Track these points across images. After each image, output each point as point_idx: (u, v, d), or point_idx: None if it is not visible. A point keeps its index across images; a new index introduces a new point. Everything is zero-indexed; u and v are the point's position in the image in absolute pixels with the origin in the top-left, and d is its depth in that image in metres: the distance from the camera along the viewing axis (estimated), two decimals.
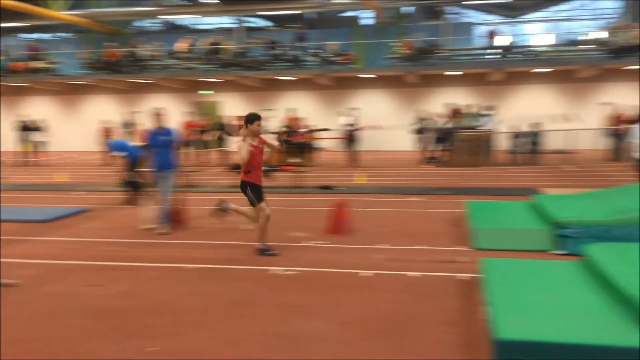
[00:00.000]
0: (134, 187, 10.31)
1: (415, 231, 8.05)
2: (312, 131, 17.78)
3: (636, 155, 9.27)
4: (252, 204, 6.77)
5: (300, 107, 21.02)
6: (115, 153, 10.97)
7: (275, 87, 23.69)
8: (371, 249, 7.06)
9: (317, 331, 4.37)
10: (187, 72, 22.99)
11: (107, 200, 11.27)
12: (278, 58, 22.43)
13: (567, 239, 6.46)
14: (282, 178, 12.84)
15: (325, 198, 10.68)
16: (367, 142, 19.68)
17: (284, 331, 4.38)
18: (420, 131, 17.67)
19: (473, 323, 4.45)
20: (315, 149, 17.63)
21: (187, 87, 24.16)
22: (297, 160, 15.74)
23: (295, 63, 22.20)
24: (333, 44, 22.09)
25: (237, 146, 6.82)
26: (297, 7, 23.73)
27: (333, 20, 27.93)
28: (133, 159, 10.25)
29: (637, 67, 19.41)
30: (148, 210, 8.51)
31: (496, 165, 16.47)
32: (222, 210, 7.29)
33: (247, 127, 6.67)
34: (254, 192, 6.72)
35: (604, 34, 20.45)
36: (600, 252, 4.85)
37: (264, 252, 6.78)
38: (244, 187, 6.74)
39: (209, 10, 25.40)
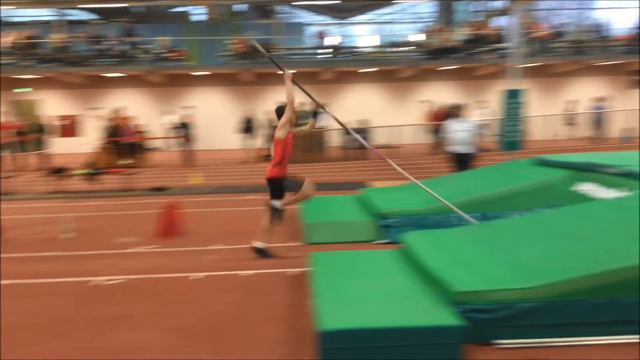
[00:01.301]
0: None
1: (250, 230, 7.98)
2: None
3: (450, 148, 10.15)
4: (295, 187, 6.36)
5: (130, 105, 20.04)
6: None
7: (101, 84, 22.31)
8: (203, 250, 6.91)
9: (141, 341, 4.15)
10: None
11: None
12: (104, 53, 21.15)
13: (389, 228, 6.89)
14: (111, 181, 12.12)
15: (157, 200, 10.26)
16: (203, 141, 19.36)
17: (103, 345, 4.10)
18: (246, 129, 17.73)
19: (300, 317, 4.53)
20: (148, 149, 16.93)
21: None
22: (127, 161, 14.97)
23: (124, 59, 21.10)
24: (164, 40, 21.36)
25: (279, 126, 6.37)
26: (123, 0, 22.58)
27: (163, 16, 27.01)
28: None
29: (450, 67, 21.32)
30: None
31: (329, 161, 17.09)
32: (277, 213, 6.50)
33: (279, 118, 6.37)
34: (288, 181, 6.31)
35: (422, 37, 22.18)
36: (414, 240, 5.22)
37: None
38: (277, 183, 6.24)
39: (24, 2, 23.18)
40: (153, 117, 20.78)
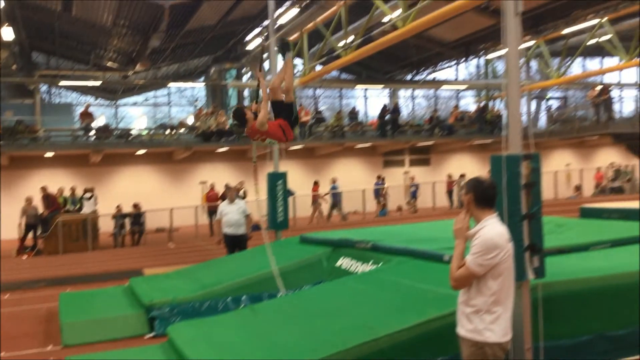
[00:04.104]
0: None
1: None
2: None
3: (223, 230, 10.19)
4: None
5: None
6: None
7: None
8: None
9: None
10: None
11: None
12: None
13: (158, 320, 6.59)
14: None
15: None
16: None
17: None
18: None
19: None
20: None
21: None
22: None
23: None
24: None
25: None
26: None
27: None
28: None
29: (224, 149, 21.87)
30: None
31: (100, 249, 16.02)
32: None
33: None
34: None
35: (195, 119, 22.48)
36: (178, 332, 5.07)
37: None
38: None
39: None
40: None
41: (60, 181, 19.10)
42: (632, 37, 18.37)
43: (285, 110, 5.98)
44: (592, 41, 21.09)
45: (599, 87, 22.72)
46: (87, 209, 16.75)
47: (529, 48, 22.48)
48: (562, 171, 22.35)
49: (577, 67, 29.66)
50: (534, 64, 27.60)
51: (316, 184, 20.26)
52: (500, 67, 25.39)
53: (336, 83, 27.63)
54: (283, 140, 5.98)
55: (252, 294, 7.03)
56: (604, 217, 8.95)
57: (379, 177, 22.01)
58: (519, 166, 4.34)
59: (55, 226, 15.51)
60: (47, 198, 16.52)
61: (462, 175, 21.32)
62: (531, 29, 21.81)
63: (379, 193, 21.08)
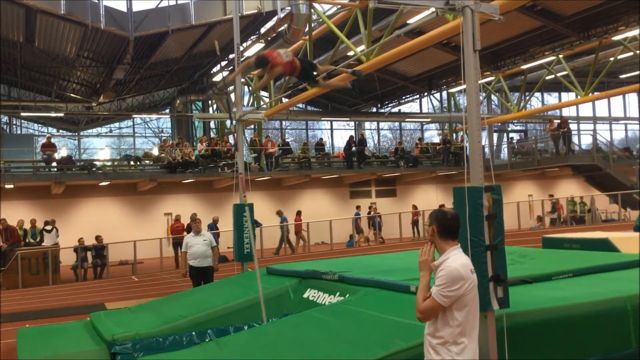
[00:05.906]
0: None
1: None
2: None
3: (189, 262, 10.05)
4: None
5: None
6: None
7: None
8: None
9: None
10: None
11: None
12: None
13: (121, 356, 6.41)
14: None
15: None
16: None
17: None
18: None
19: None
20: None
21: None
22: None
23: None
24: None
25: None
26: None
27: None
28: None
29: (189, 180, 21.69)
30: None
31: (61, 282, 15.61)
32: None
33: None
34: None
35: (160, 150, 22.30)
36: None
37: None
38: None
39: None
40: None
41: (20, 213, 18.60)
42: (588, 72, 19.15)
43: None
44: (550, 76, 21.94)
45: (557, 121, 23.47)
46: (48, 241, 16.36)
47: (489, 83, 23.19)
48: (524, 202, 22.82)
49: (536, 101, 30.67)
50: (494, 98, 28.42)
51: (298, 214, 20.21)
52: (462, 100, 26.04)
53: (302, 115, 27.88)
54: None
55: (218, 327, 6.91)
56: (565, 247, 9.13)
57: (358, 207, 22.23)
58: (481, 198, 4.42)
59: (14, 259, 15.09)
60: (6, 231, 16.09)
61: (441, 206, 21.58)
62: (491, 65, 22.50)
63: (358, 223, 21.19)
